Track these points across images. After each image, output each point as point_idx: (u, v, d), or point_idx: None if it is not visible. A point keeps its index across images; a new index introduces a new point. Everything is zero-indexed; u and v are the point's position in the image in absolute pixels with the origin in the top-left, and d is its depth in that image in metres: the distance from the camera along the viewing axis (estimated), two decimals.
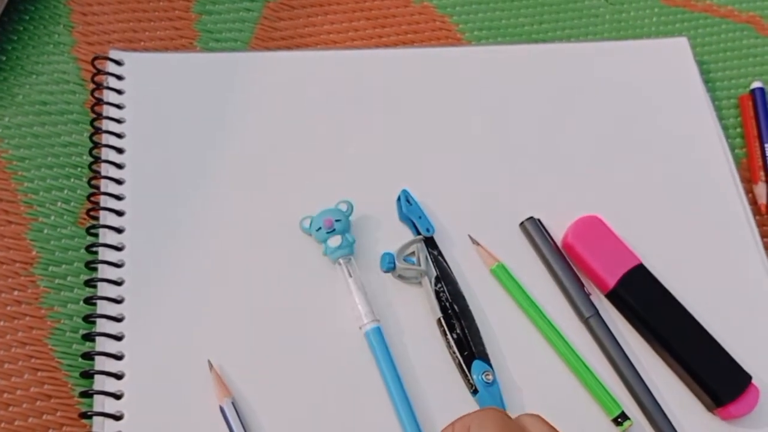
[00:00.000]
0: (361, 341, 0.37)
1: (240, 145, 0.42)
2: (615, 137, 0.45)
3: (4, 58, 0.44)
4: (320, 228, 0.39)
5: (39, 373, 0.36)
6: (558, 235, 0.41)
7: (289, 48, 0.47)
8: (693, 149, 0.45)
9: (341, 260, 0.39)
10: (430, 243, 0.40)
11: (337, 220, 0.39)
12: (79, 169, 0.41)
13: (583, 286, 0.39)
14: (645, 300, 0.39)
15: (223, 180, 0.41)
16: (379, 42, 0.48)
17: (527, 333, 0.38)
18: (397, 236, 0.40)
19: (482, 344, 0.37)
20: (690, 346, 0.38)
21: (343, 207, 0.40)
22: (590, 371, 0.38)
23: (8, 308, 0.37)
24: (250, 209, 0.40)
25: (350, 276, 0.38)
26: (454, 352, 0.37)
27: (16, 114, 0.42)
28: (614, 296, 0.39)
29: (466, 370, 0.36)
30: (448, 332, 0.37)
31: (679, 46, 0.49)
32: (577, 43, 0.49)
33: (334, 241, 0.38)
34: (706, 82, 0.49)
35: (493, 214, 0.41)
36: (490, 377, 0.36)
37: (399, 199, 0.41)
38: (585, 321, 0.39)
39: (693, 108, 0.47)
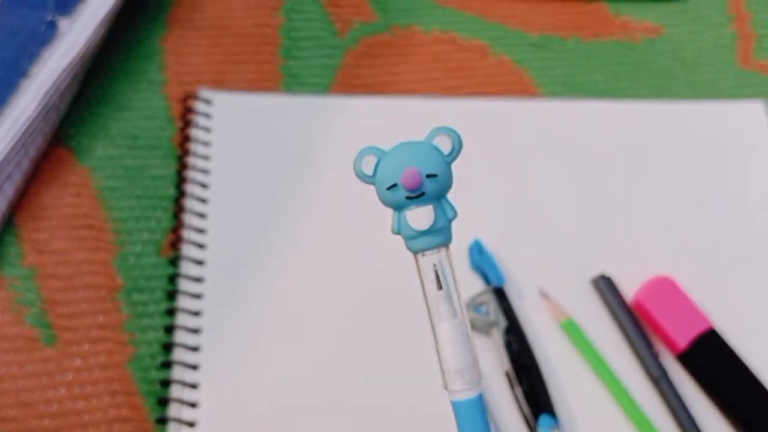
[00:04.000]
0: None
1: (321, 185, 0.43)
2: (689, 198, 0.45)
3: (100, 93, 0.46)
4: (394, 186, 0.23)
5: (118, 397, 0.37)
6: (629, 294, 0.41)
7: (369, 94, 0.49)
8: None
9: (427, 255, 0.24)
10: (500, 294, 0.40)
11: (429, 176, 0.23)
12: (165, 201, 0.43)
13: (652, 346, 0.39)
14: (716, 365, 0.39)
15: (302, 218, 0.42)
16: (456, 92, 0.50)
17: (595, 390, 0.38)
18: (469, 285, 0.41)
19: (549, 398, 0.37)
20: (760, 415, 0.38)
21: (444, 144, 0.23)
22: None
23: (92, 332, 0.39)
24: (328, 249, 0.41)
25: (440, 285, 0.24)
26: (521, 406, 0.37)
27: (110, 146, 0.45)
28: (684, 359, 0.39)
29: (532, 423, 0.36)
30: (515, 384, 0.37)
31: (755, 110, 0.49)
32: (652, 103, 0.50)
33: (421, 216, 0.23)
34: None
35: (564, 269, 0.42)
36: None
37: (471, 248, 0.41)
38: (654, 381, 0.39)
39: None
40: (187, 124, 0.45)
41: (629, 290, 0.41)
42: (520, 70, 0.51)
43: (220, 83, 0.48)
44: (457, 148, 0.23)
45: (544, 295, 0.41)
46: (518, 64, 0.51)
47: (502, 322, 0.39)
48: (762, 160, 0.47)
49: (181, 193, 0.42)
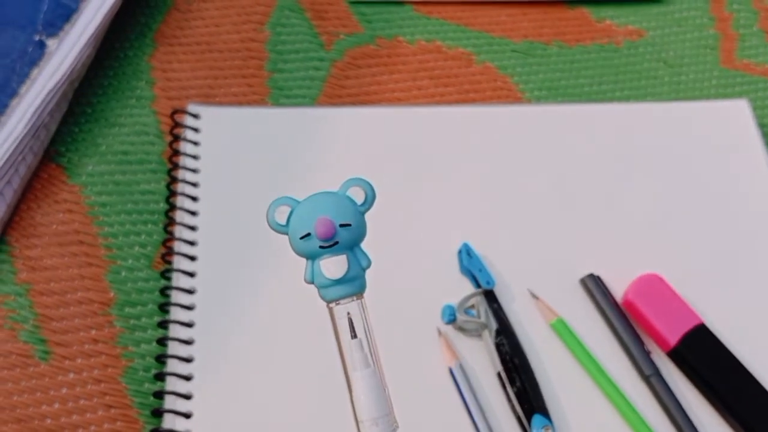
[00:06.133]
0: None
1: (309, 195, 0.44)
2: (675, 197, 0.45)
3: (89, 111, 0.47)
4: (308, 235, 0.23)
5: (112, 410, 0.38)
6: (618, 293, 0.41)
7: (355, 104, 0.49)
8: (753, 209, 0.45)
9: (341, 304, 0.24)
10: (490, 296, 0.40)
11: (343, 225, 0.23)
12: (155, 215, 0.43)
13: (643, 344, 0.40)
14: (707, 360, 0.39)
15: None
16: (442, 100, 0.50)
17: (587, 389, 0.39)
18: (459, 288, 0.41)
19: (542, 398, 0.38)
20: (752, 408, 0.38)
21: (358, 195, 0.24)
22: (650, 430, 0.37)
23: (86, 346, 0.39)
24: None
25: (354, 334, 0.24)
26: (514, 406, 0.37)
27: (100, 162, 0.45)
28: (675, 355, 0.39)
29: (525, 424, 0.37)
30: (508, 385, 0.38)
31: (740, 109, 0.50)
32: (637, 104, 0.50)
33: (335, 266, 0.23)
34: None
35: (552, 270, 0.42)
36: None
37: (460, 252, 0.42)
38: (645, 379, 0.39)
39: (754, 170, 0.47)
40: (175, 138, 0.45)
41: (618, 289, 0.41)
42: (504, 77, 0.52)
43: (208, 97, 0.48)
44: (370, 199, 0.24)
45: (534, 296, 0.41)
46: (502, 71, 0.52)
47: (493, 324, 0.39)
48: (747, 157, 0.47)
49: (171, 207, 0.43)
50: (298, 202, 0.24)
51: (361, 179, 0.24)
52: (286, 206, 0.24)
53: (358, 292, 0.24)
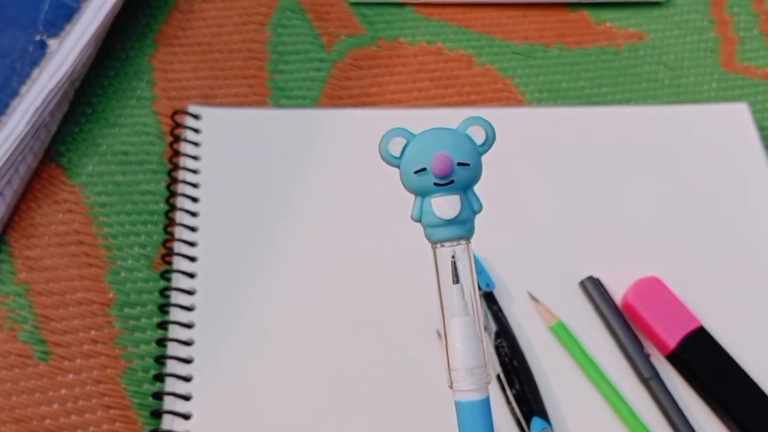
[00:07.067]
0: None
1: (309, 196, 0.44)
2: (674, 200, 0.45)
3: (90, 111, 0.47)
4: (423, 170, 0.23)
5: (111, 411, 0.38)
6: (617, 295, 0.41)
7: (355, 106, 0.49)
8: (753, 212, 0.45)
9: (447, 246, 0.23)
10: (490, 298, 0.40)
11: (461, 164, 0.23)
12: (155, 216, 0.43)
13: (642, 347, 0.40)
14: (706, 363, 0.39)
15: (292, 230, 0.42)
16: (442, 102, 0.50)
17: (586, 391, 0.39)
18: None
19: (541, 401, 0.38)
20: (751, 411, 0.38)
21: (477, 134, 0.23)
22: None
23: (85, 347, 0.39)
24: (318, 260, 0.42)
25: (456, 279, 0.23)
26: (513, 408, 0.37)
27: (100, 163, 0.45)
28: (674, 358, 0.39)
29: (525, 426, 0.37)
30: (507, 388, 0.38)
31: (740, 112, 0.50)
32: (637, 107, 0.50)
33: (447, 205, 0.23)
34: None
35: (552, 273, 0.42)
36: None
37: None
38: (644, 382, 0.39)
39: (753, 173, 0.47)
40: (176, 139, 0.45)
41: (617, 291, 0.41)
42: (505, 79, 0.52)
43: (209, 98, 0.48)
44: (490, 140, 0.23)
45: (534, 299, 0.41)
46: (503, 73, 0.52)
47: (493, 327, 0.39)
48: (747, 161, 0.48)
49: (171, 207, 0.43)
50: (414, 135, 0.23)
51: (481, 118, 0.23)
52: (401, 138, 0.23)
53: (467, 235, 0.23)
